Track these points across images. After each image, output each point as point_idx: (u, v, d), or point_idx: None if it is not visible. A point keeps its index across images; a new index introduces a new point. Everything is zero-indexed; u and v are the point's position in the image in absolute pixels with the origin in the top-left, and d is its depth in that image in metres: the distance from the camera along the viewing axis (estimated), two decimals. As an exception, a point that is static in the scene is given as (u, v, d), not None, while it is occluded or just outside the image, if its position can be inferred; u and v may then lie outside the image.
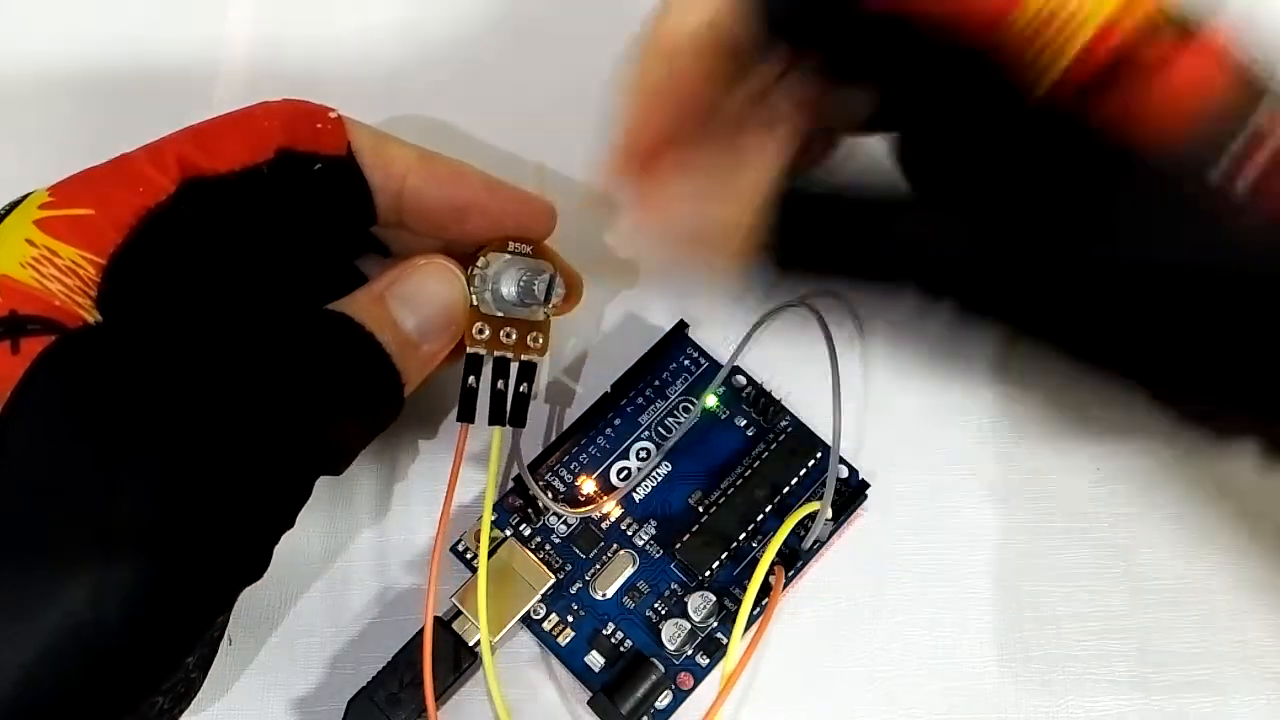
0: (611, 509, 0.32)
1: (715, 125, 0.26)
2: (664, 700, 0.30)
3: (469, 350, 0.29)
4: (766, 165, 0.24)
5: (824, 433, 0.33)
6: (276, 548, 0.25)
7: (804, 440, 0.33)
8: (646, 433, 0.33)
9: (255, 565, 0.25)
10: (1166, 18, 0.20)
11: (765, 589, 0.30)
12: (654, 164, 0.26)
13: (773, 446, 0.32)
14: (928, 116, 0.24)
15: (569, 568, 0.31)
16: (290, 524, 0.25)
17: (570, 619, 0.31)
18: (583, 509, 0.31)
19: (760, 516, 0.31)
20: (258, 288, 0.28)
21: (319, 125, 0.27)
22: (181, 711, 0.26)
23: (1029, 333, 0.24)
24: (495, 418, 0.29)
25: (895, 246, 0.24)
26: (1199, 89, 0.20)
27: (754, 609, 0.29)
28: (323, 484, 0.26)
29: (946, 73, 0.21)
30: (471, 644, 0.29)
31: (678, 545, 0.31)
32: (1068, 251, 0.22)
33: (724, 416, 0.33)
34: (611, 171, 0.27)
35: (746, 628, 0.29)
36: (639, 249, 0.26)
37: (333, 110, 0.28)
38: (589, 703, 0.29)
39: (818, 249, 0.25)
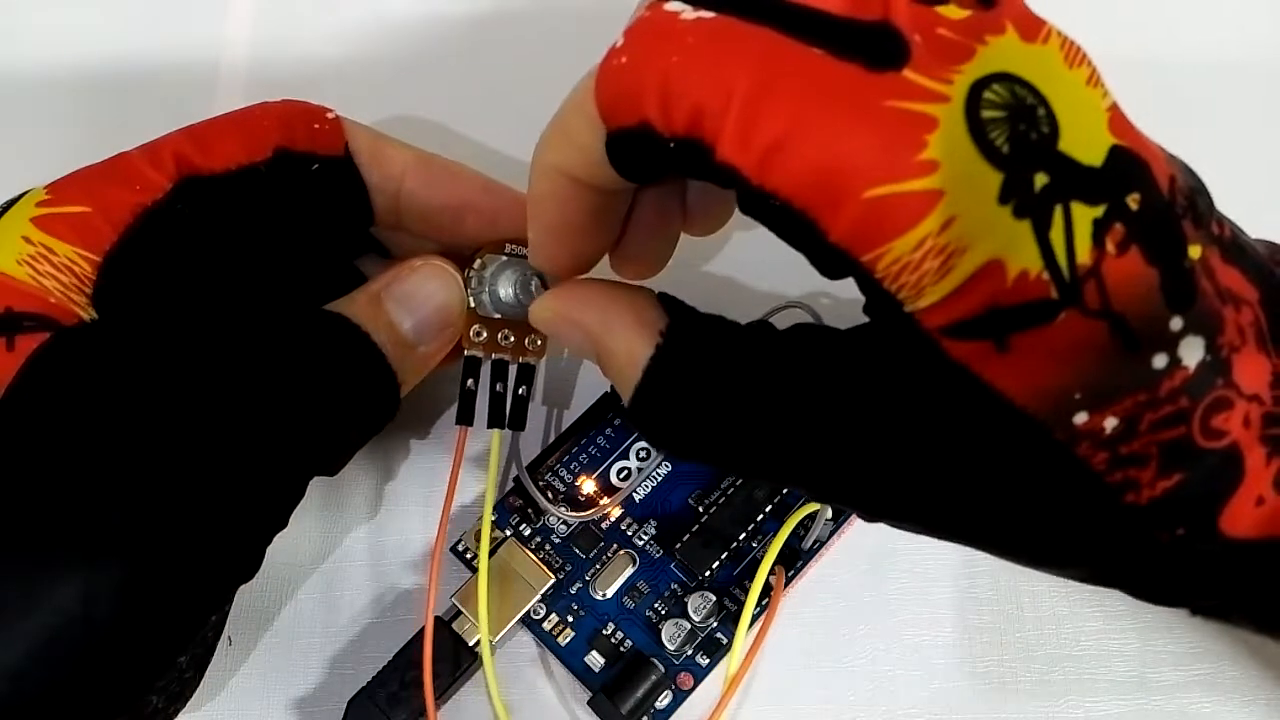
0: (612, 509, 0.32)
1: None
2: (664, 700, 0.30)
3: (467, 352, 0.29)
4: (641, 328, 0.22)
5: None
6: (275, 547, 0.25)
7: (804, 440, 0.32)
8: (646, 432, 0.33)
9: (247, 565, 0.25)
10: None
11: (766, 589, 0.30)
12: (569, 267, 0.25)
13: (773, 446, 0.32)
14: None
15: (569, 568, 0.31)
16: (283, 524, 0.25)
17: (570, 619, 0.31)
18: (584, 513, 0.31)
19: (760, 516, 0.31)
20: (254, 287, 0.28)
21: (316, 126, 0.27)
22: (178, 711, 0.26)
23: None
24: (494, 421, 0.29)
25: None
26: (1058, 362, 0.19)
27: (755, 609, 0.29)
28: (321, 484, 0.26)
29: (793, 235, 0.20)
30: (471, 644, 0.29)
31: (678, 545, 0.31)
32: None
33: (724, 416, 0.33)
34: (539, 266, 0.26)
35: (748, 628, 0.29)
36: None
37: (330, 111, 0.28)
38: (589, 703, 0.29)
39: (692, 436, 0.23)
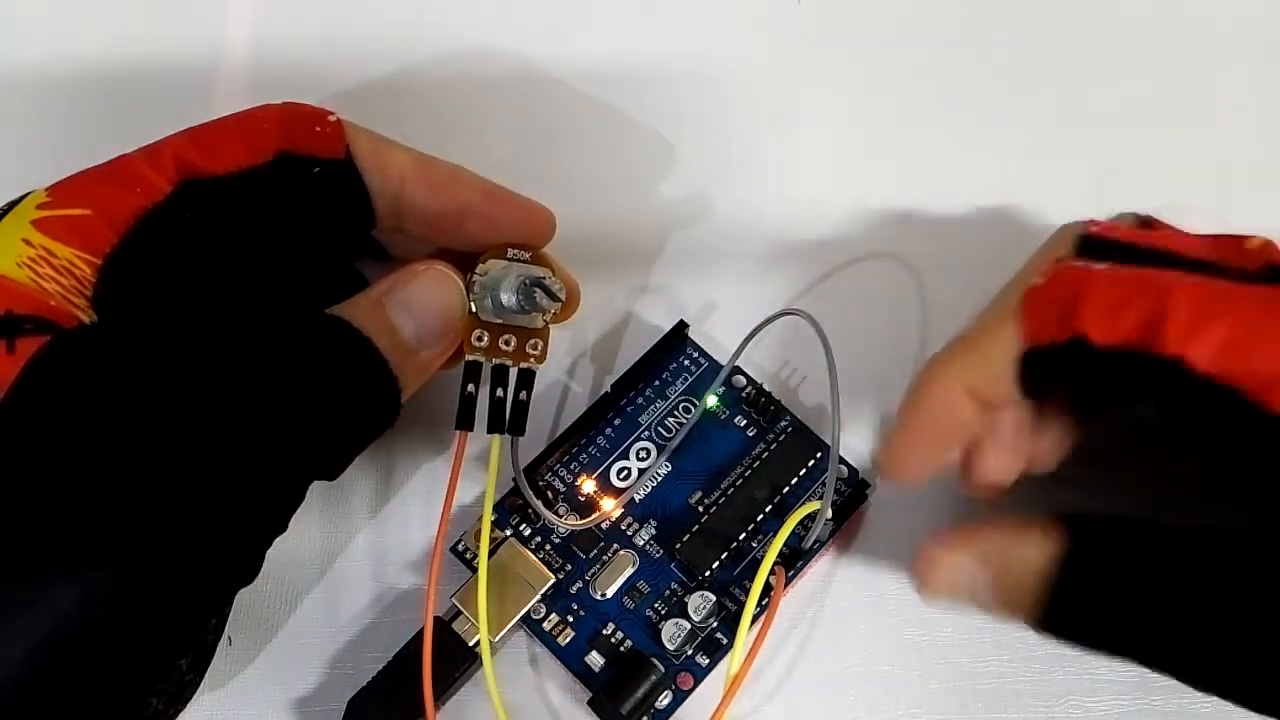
0: (611, 509, 0.32)
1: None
2: (664, 700, 0.30)
3: (468, 357, 0.29)
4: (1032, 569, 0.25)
5: (824, 433, 0.33)
6: (276, 548, 0.25)
7: (804, 440, 0.33)
8: (647, 433, 0.33)
9: (246, 569, 0.25)
10: None
11: (766, 589, 0.30)
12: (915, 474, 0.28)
13: (773, 446, 0.32)
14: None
15: (569, 568, 0.31)
16: (283, 528, 0.25)
17: (570, 619, 0.31)
18: (584, 518, 0.31)
19: (760, 516, 0.31)
20: (255, 289, 0.28)
21: (318, 128, 0.27)
22: (178, 713, 0.27)
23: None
24: (494, 425, 0.29)
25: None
26: None
27: (755, 609, 0.29)
28: (321, 486, 0.26)
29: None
30: (471, 644, 0.29)
31: (678, 545, 0.31)
32: None
33: (724, 417, 0.33)
34: (882, 470, 0.28)
35: (749, 628, 0.29)
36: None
37: (332, 114, 0.28)
38: (589, 703, 0.29)
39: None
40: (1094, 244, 0.26)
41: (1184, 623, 0.23)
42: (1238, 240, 0.26)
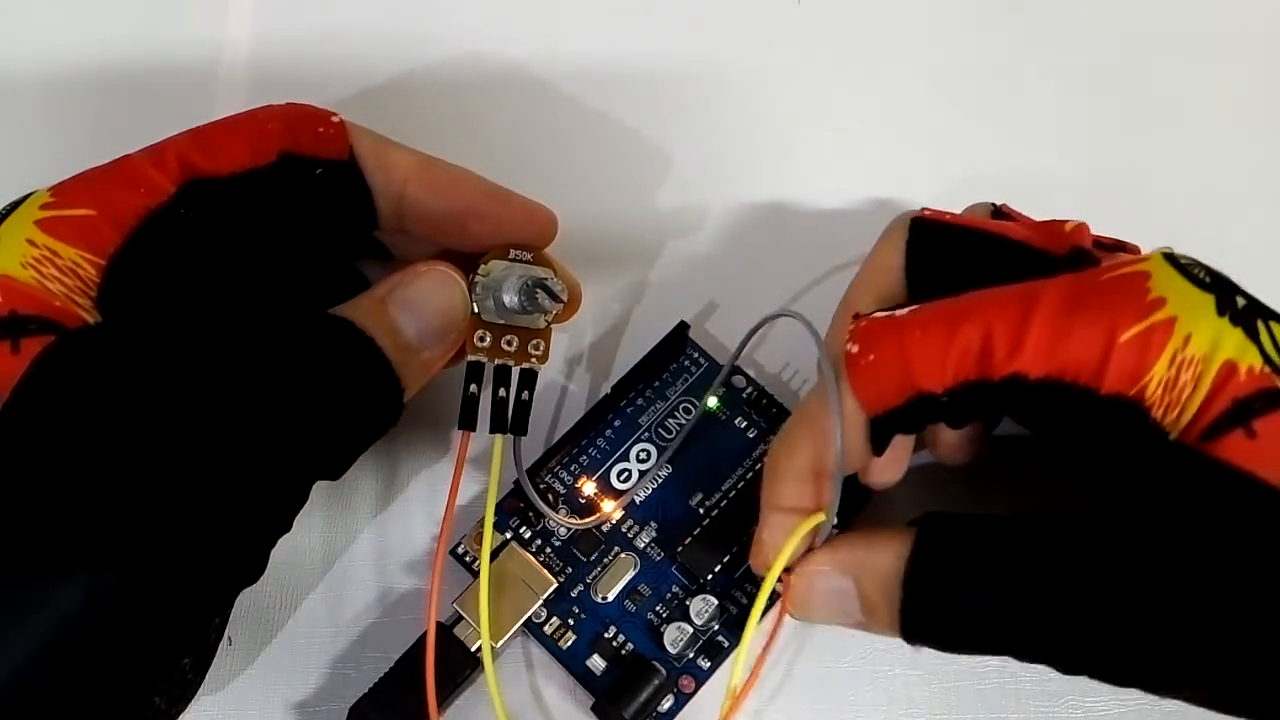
0: (612, 511, 0.32)
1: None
2: (666, 704, 0.30)
3: (470, 357, 0.29)
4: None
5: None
6: (277, 548, 0.25)
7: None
8: (647, 434, 0.33)
9: (250, 569, 0.25)
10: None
11: (772, 599, 0.30)
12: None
13: (773, 448, 0.32)
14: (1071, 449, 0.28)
15: (570, 571, 0.31)
16: (287, 528, 0.25)
17: (571, 622, 0.31)
18: (585, 519, 0.31)
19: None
20: (258, 290, 0.28)
21: (321, 129, 0.27)
22: (179, 712, 0.26)
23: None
24: (496, 425, 0.29)
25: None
26: None
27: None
28: (323, 486, 0.26)
29: (1090, 419, 0.24)
30: (473, 649, 0.29)
31: (679, 548, 0.31)
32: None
33: (725, 418, 0.33)
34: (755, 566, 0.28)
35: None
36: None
37: (335, 115, 0.28)
38: (591, 707, 0.29)
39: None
40: (924, 228, 0.27)
41: (1036, 609, 0.23)
42: (1058, 225, 0.27)
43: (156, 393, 0.23)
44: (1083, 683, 0.30)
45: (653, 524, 0.32)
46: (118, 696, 0.23)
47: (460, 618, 0.30)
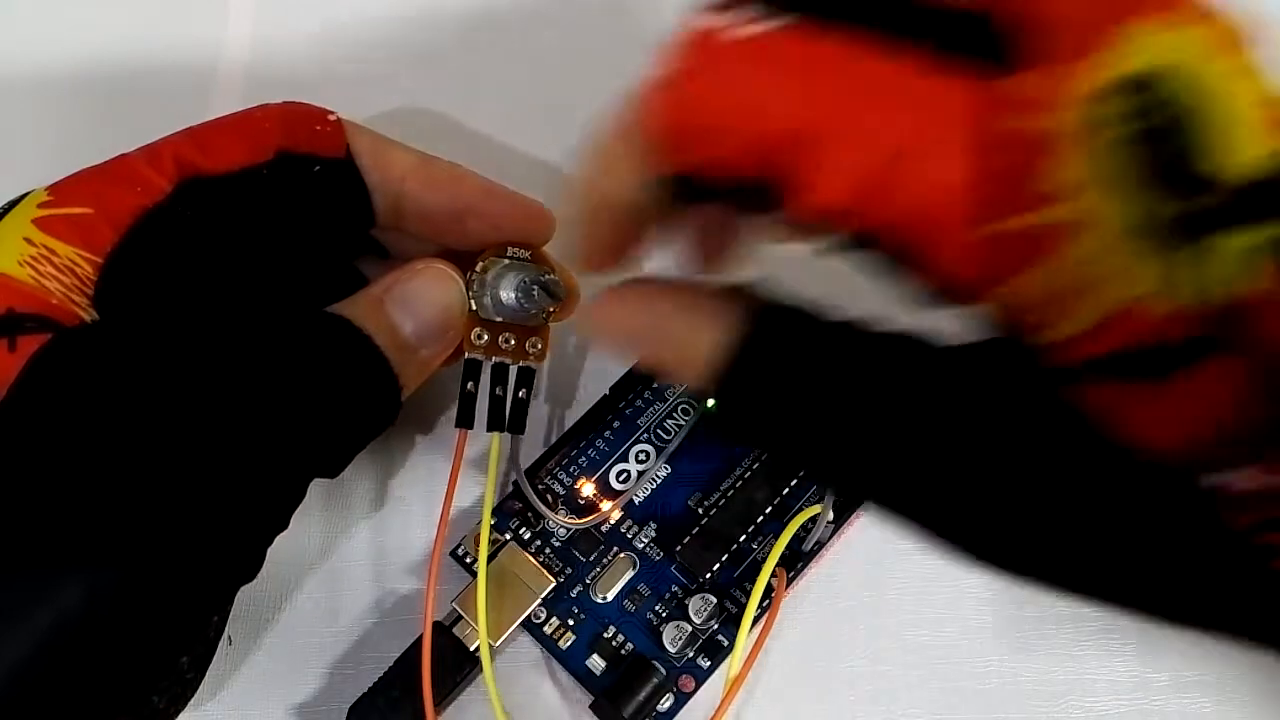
0: (610, 511, 0.32)
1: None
2: (666, 703, 0.29)
3: (468, 355, 0.29)
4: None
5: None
6: (275, 547, 0.25)
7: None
8: (645, 435, 0.33)
9: (248, 566, 0.25)
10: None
11: (767, 591, 0.30)
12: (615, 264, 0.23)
13: (772, 448, 0.32)
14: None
15: (569, 571, 0.31)
16: (284, 526, 0.25)
17: (571, 622, 0.31)
18: (584, 519, 0.31)
19: (760, 518, 0.31)
20: (256, 288, 0.28)
21: (318, 128, 0.27)
22: (179, 711, 0.26)
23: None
24: (494, 424, 0.29)
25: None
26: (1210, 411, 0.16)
27: (756, 611, 0.29)
28: (321, 485, 0.26)
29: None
30: (472, 649, 0.29)
31: (678, 547, 0.31)
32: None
33: (723, 418, 0.33)
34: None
35: (749, 630, 0.29)
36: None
37: (332, 113, 0.28)
38: (591, 706, 0.29)
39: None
40: None
41: (862, 434, 0.19)
42: None
43: (153, 391, 0.23)
44: (1083, 683, 0.30)
45: (652, 524, 0.32)
46: (116, 695, 0.23)
47: (459, 617, 0.30)
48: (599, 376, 0.34)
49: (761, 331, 0.19)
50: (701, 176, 0.19)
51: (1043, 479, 0.17)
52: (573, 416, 0.34)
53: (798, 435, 0.20)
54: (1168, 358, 0.16)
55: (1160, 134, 0.15)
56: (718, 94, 0.18)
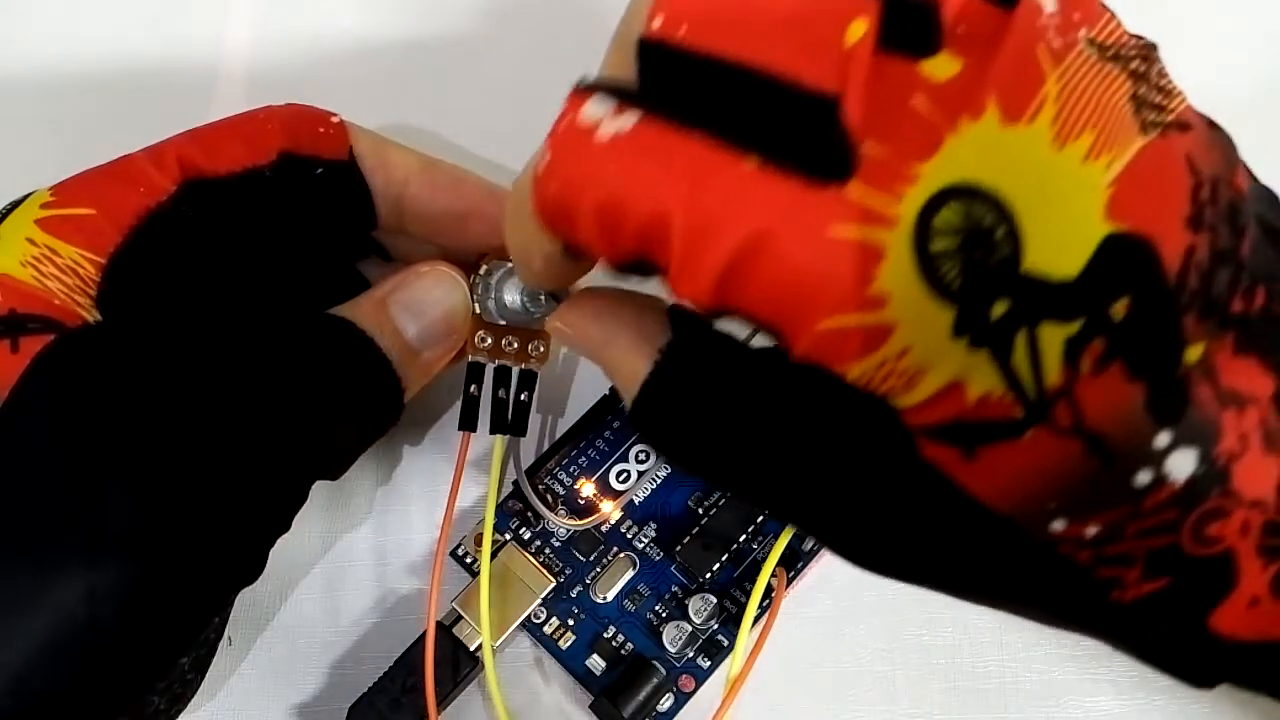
0: (611, 511, 0.32)
1: None
2: (666, 703, 0.30)
3: (471, 358, 0.29)
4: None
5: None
6: (277, 548, 0.25)
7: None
8: (646, 435, 0.33)
9: (249, 568, 0.25)
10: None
11: (767, 591, 0.30)
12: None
13: (772, 448, 0.32)
14: None
15: (569, 571, 0.31)
16: (286, 527, 0.25)
17: (571, 622, 0.31)
18: (584, 519, 0.31)
19: (760, 518, 0.31)
20: (258, 290, 0.28)
21: (321, 130, 0.27)
22: (179, 712, 0.27)
23: None
24: (496, 426, 0.29)
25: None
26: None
27: (756, 611, 0.29)
28: (322, 485, 0.26)
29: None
30: (473, 649, 0.29)
31: (678, 547, 0.31)
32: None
33: (723, 419, 0.33)
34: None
35: (749, 629, 0.29)
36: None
37: (335, 115, 0.28)
38: (591, 706, 0.29)
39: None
40: (653, 53, 0.19)
41: (748, 465, 0.20)
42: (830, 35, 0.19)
43: (155, 393, 0.23)
44: (1083, 683, 0.30)
45: (652, 524, 0.32)
46: (116, 696, 0.23)
47: (460, 617, 0.30)
48: (599, 376, 0.34)
49: (667, 364, 0.21)
50: (589, 251, 0.20)
51: (894, 520, 0.19)
52: (573, 417, 0.34)
53: (694, 458, 0.21)
54: (989, 431, 0.18)
55: (984, 243, 0.17)
56: (574, 192, 0.19)
